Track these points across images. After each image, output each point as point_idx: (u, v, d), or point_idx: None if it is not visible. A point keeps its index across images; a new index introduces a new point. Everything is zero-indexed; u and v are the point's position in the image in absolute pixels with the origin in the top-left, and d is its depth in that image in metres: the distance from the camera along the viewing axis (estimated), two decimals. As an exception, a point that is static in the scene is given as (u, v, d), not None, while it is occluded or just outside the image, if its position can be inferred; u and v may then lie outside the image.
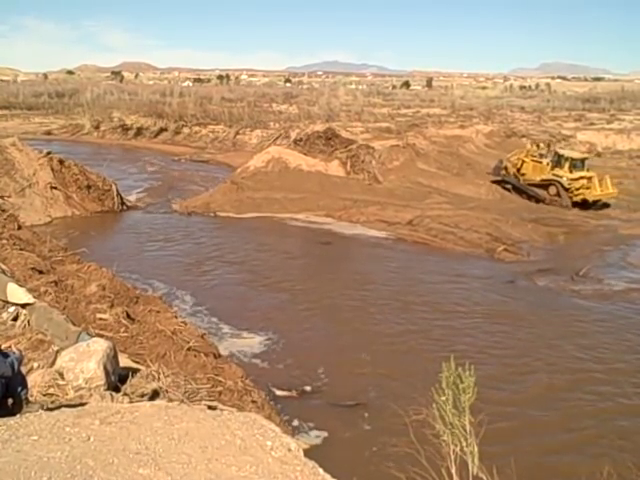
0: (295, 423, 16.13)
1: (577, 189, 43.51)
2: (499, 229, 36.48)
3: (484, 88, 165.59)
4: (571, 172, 43.90)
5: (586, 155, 48.97)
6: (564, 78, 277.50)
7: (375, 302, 25.94)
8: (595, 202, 43.70)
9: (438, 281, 29.22)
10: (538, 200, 44.93)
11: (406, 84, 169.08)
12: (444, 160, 52.53)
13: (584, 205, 43.32)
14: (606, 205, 44.36)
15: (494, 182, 48.38)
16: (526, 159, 46.99)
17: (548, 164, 45.38)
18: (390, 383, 18.65)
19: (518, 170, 46.93)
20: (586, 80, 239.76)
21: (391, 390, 17.85)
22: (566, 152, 46.94)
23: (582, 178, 43.64)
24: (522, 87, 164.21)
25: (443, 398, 6.42)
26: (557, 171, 44.45)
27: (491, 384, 17.69)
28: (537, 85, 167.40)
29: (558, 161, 44.99)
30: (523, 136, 61.74)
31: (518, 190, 46.68)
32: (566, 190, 43.68)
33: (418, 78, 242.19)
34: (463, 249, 34.00)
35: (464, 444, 6.31)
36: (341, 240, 36.10)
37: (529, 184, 45.92)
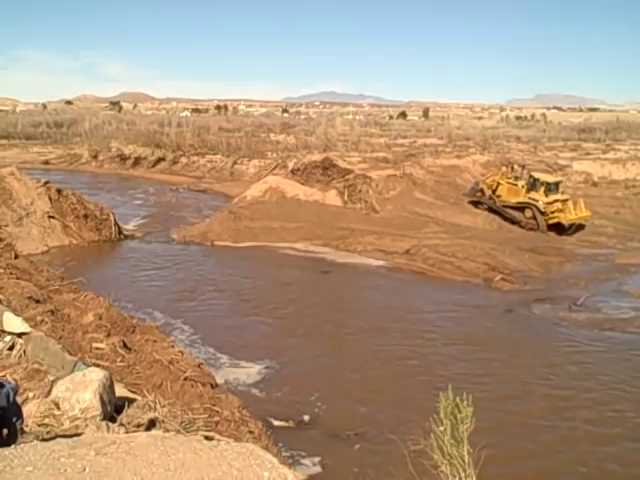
0: (292, 454, 16.01)
1: (552, 212, 44.42)
2: (496, 258, 36.53)
3: (480, 118, 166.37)
4: (546, 196, 44.88)
5: (560, 179, 49.89)
6: (559, 108, 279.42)
7: (373, 330, 25.92)
8: (570, 226, 44.51)
9: (435, 310, 29.20)
10: (513, 222, 45.89)
11: (403, 114, 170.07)
12: (441, 190, 52.71)
13: (558, 228, 44.26)
14: (581, 227, 45.24)
15: (470, 203, 49.43)
16: (501, 181, 48.03)
17: (523, 187, 46.33)
18: (388, 412, 18.56)
19: (494, 192, 47.88)
20: (581, 110, 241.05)
21: (389, 419, 17.75)
22: (541, 176, 47.80)
23: (557, 201, 44.62)
24: (518, 117, 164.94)
25: (441, 428, 6.39)
26: (533, 194, 45.41)
27: (483, 413, 17.58)
28: (533, 115, 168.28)
29: (533, 184, 45.99)
30: (520, 166, 61.96)
31: (493, 211, 47.52)
32: (542, 213, 44.54)
33: (415, 108, 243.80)
34: (460, 278, 34.01)
35: (462, 475, 6.26)
36: (338, 269, 36.10)
37: (504, 206, 46.79)
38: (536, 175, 47.57)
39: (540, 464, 16.45)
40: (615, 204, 52.13)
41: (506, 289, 32.40)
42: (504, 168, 51.61)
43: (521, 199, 45.89)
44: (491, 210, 47.75)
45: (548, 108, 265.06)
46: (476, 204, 49.15)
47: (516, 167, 51.77)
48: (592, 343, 25.18)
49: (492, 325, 27.28)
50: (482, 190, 48.74)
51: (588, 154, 70.54)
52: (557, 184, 46.53)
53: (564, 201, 44.89)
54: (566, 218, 44.12)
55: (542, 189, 45.21)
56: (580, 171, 62.36)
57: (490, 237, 41.87)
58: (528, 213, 45.38)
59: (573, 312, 28.81)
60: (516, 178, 48.36)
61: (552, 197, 44.92)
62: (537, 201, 44.83)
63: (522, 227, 45.18)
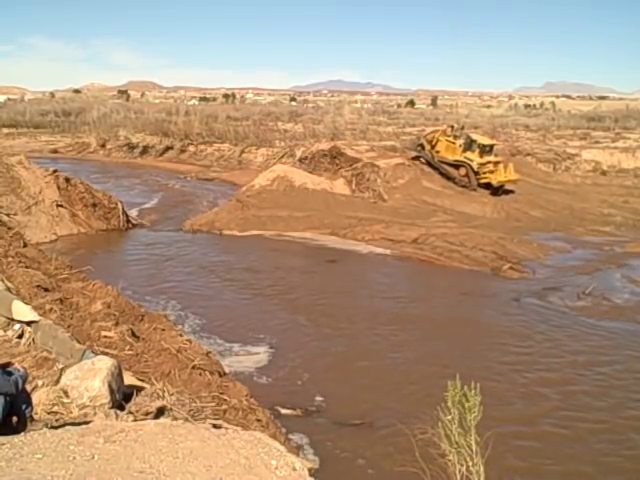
0: (300, 442, 16.04)
1: (484, 172, 47.85)
2: (504, 247, 36.43)
3: (489, 107, 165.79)
4: (481, 157, 48.17)
5: (494, 142, 52.65)
6: (569, 97, 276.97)
7: (381, 319, 25.88)
8: (499, 187, 47.81)
9: (443, 299, 29.18)
10: (449, 177, 49.31)
11: (411, 103, 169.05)
12: (449, 178, 52.72)
13: (489, 187, 47.69)
14: (511, 191, 48.45)
15: (413, 158, 52.40)
16: (441, 138, 50.79)
17: (460, 146, 49.26)
18: (395, 401, 18.55)
19: (432, 147, 50.79)
20: (591, 99, 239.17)
21: (396, 408, 17.73)
22: (478, 137, 51.11)
23: (489, 163, 48.02)
24: (527, 106, 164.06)
25: (449, 417, 6.38)
26: (469, 154, 48.63)
27: (491, 402, 17.60)
28: (542, 104, 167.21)
29: (470, 145, 49.10)
30: (528, 154, 61.76)
31: (431, 166, 50.70)
32: (475, 173, 47.90)
33: (423, 97, 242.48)
34: (468, 267, 33.94)
35: (470, 464, 6.26)
36: (346, 258, 36.08)
37: (441, 162, 49.98)
38: (473, 136, 51.03)
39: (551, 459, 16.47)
40: (624, 193, 51.98)
41: (515, 278, 32.32)
42: (445, 126, 54.67)
43: (457, 157, 49.24)
44: (429, 164, 50.82)
45: (557, 96, 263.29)
46: (417, 158, 52.02)
47: (455, 126, 54.67)
48: (600, 332, 25.10)
49: (501, 315, 27.20)
50: (422, 145, 51.78)
51: (597, 142, 70.16)
52: (491, 147, 49.75)
53: (496, 163, 48.39)
54: (496, 179, 47.76)
55: (477, 150, 48.44)
56: (589, 159, 62.07)
57: (498, 226, 41.77)
58: (462, 171, 48.85)
59: (582, 300, 28.75)
60: (455, 137, 50.97)
61: (486, 158, 48.22)
62: (472, 161, 48.18)
63: (455, 183, 48.69)
